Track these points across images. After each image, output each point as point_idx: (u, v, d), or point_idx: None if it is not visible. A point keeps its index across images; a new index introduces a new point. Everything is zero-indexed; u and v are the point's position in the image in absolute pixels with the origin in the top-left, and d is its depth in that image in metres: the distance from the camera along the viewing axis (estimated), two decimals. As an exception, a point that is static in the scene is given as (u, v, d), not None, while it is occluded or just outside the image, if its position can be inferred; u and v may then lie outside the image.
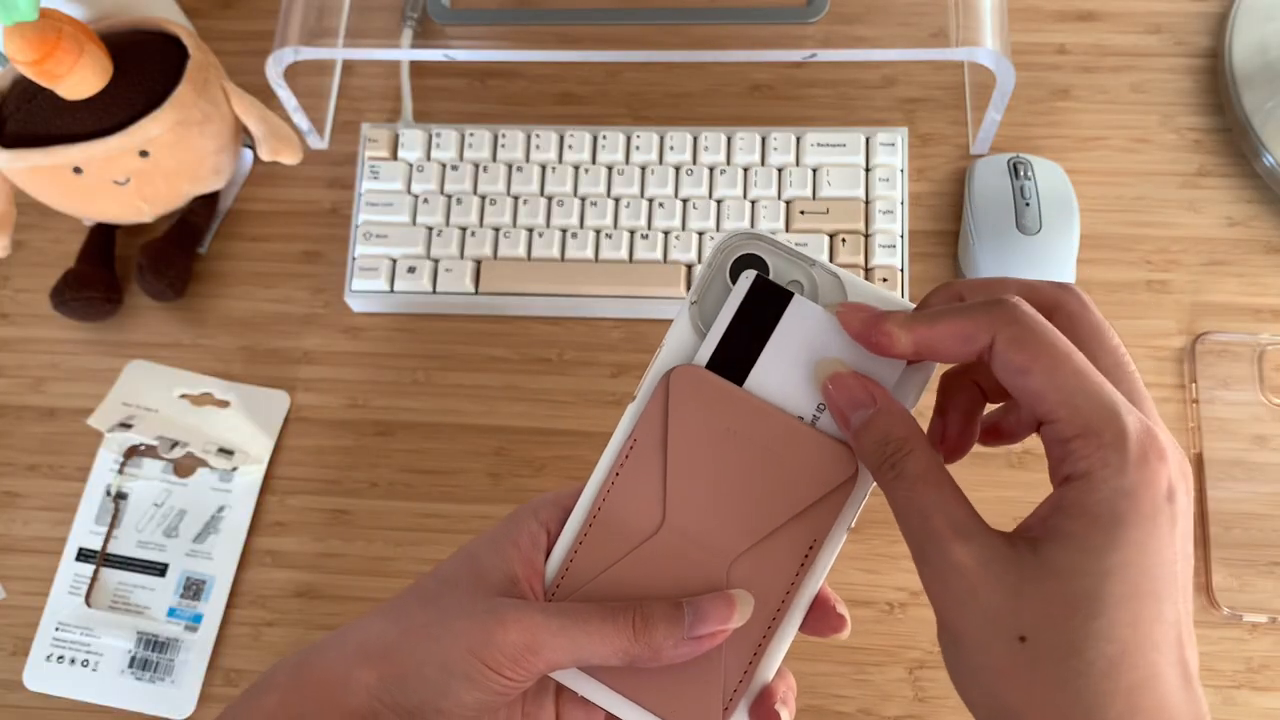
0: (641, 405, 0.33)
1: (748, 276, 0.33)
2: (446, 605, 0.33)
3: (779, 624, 0.33)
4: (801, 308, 0.32)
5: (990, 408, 0.34)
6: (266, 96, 0.60)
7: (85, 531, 0.57)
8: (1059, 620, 0.26)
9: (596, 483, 0.34)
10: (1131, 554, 0.26)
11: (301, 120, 0.62)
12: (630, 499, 0.33)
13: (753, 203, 0.59)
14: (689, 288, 0.33)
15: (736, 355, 0.33)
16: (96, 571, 0.56)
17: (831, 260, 0.58)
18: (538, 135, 0.61)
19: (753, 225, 0.59)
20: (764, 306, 0.32)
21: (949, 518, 0.28)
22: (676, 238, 0.59)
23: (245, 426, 0.59)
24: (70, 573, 0.56)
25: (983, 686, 0.28)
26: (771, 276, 0.33)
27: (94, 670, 0.54)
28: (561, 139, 0.61)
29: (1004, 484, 0.55)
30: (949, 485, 0.29)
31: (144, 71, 0.57)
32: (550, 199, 0.60)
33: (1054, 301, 0.30)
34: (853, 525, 0.33)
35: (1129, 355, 0.29)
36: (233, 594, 0.56)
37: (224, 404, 0.59)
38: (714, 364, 0.33)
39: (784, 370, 0.32)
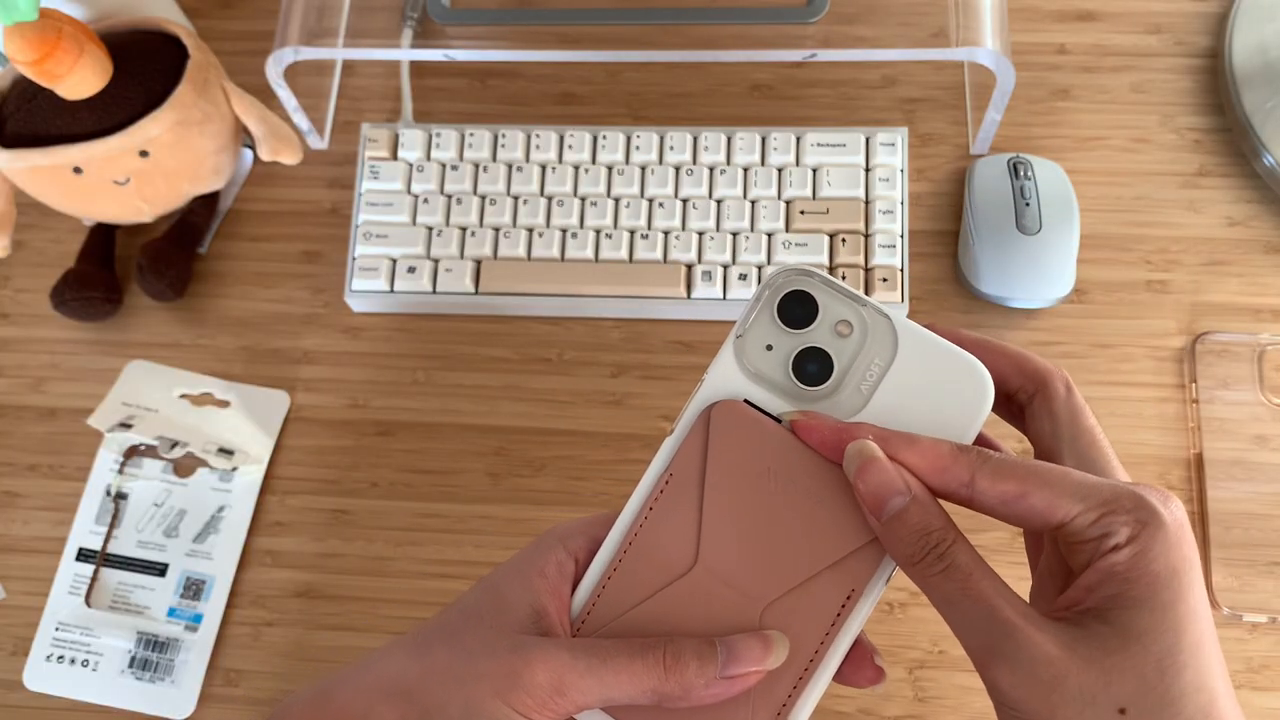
0: (681, 438, 0.33)
1: (735, 397, 0.32)
2: (470, 643, 0.32)
3: (812, 672, 0.32)
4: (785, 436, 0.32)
5: None
6: (266, 96, 0.60)
7: (85, 531, 0.57)
8: (1153, 683, 0.27)
9: (630, 514, 0.33)
10: (1192, 601, 0.27)
11: (301, 120, 0.62)
12: (664, 534, 0.33)
13: (753, 203, 0.59)
14: (741, 314, 0.33)
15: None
16: (96, 571, 0.56)
17: (831, 262, 0.58)
18: (538, 135, 0.61)
19: (750, 236, 0.59)
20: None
21: (1017, 608, 0.28)
22: (676, 238, 0.59)
23: (245, 426, 0.59)
24: (70, 573, 0.56)
25: None
26: (819, 315, 0.32)
27: (94, 670, 0.54)
28: (561, 139, 0.61)
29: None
30: (997, 577, 0.29)
31: (144, 71, 0.57)
32: (550, 199, 0.60)
33: (1043, 377, 0.32)
34: (892, 574, 0.32)
35: (1102, 430, 0.32)
36: (233, 594, 0.56)
37: (224, 404, 0.59)
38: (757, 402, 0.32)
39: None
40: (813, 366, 0.32)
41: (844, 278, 0.58)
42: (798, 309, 0.32)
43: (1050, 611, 0.29)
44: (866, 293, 0.58)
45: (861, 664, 0.33)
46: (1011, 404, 0.34)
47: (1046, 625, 0.28)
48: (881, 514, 0.30)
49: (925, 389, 0.31)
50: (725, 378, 0.32)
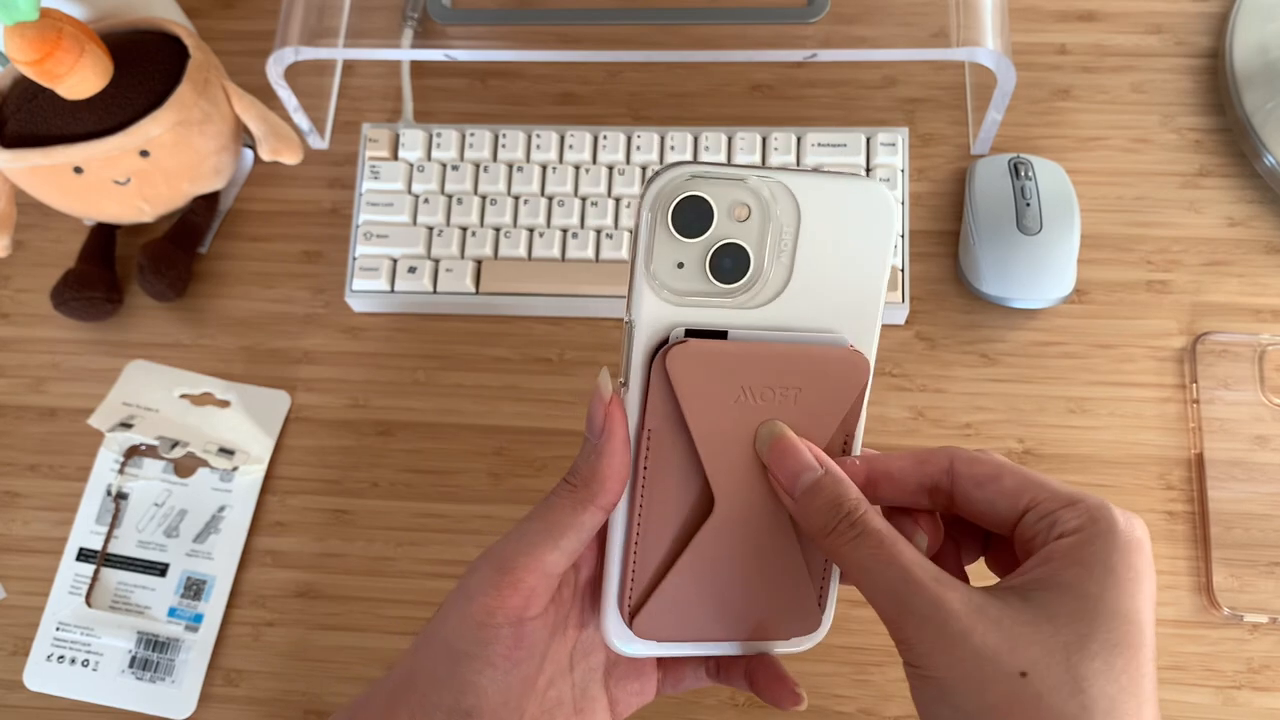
0: (639, 392, 0.32)
1: (678, 336, 0.31)
2: (443, 604, 0.32)
3: None
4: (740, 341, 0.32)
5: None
6: (267, 96, 0.60)
7: (86, 531, 0.57)
8: (1060, 659, 0.27)
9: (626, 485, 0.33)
10: (1123, 604, 0.27)
11: (302, 120, 0.62)
12: (669, 490, 0.33)
13: (753, 203, 0.59)
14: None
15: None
16: (97, 571, 0.56)
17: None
18: (538, 135, 0.61)
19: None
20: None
21: (928, 571, 0.29)
22: (677, 238, 0.59)
23: (245, 426, 0.59)
24: (70, 573, 0.56)
25: None
26: (714, 211, 0.31)
27: (94, 670, 0.54)
28: (562, 139, 0.61)
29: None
30: (910, 544, 0.30)
31: (144, 71, 0.57)
32: (551, 199, 0.60)
33: (939, 467, 0.32)
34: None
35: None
36: (233, 594, 0.56)
37: (224, 404, 0.59)
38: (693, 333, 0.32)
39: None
40: (729, 261, 0.31)
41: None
42: (691, 214, 0.31)
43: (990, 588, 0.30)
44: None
45: (781, 689, 0.35)
46: (936, 500, 0.33)
47: (959, 587, 0.28)
48: (795, 490, 0.31)
49: (838, 228, 0.31)
50: (654, 313, 0.31)
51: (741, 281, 0.31)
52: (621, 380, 0.32)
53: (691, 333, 0.31)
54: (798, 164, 0.60)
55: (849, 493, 0.31)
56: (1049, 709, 0.26)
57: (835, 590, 0.35)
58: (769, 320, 0.32)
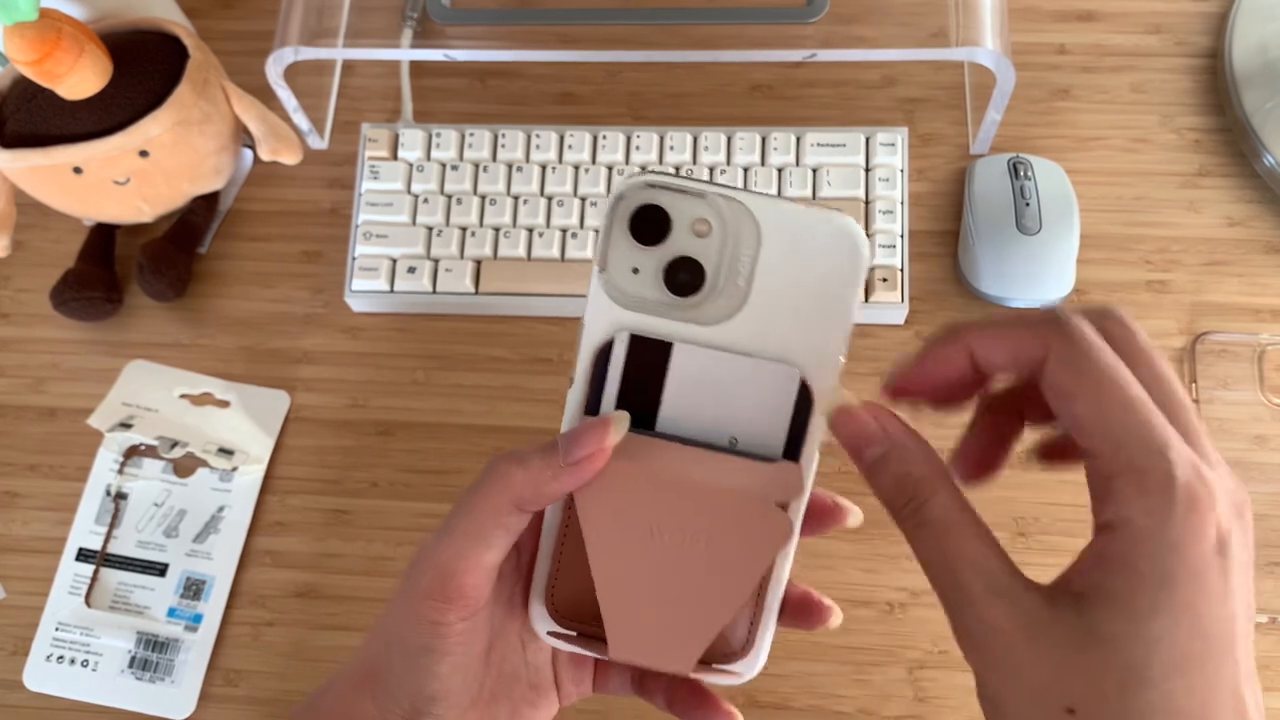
0: (583, 389, 0.31)
1: (621, 339, 0.31)
2: (391, 601, 0.32)
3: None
4: (684, 353, 0.31)
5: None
6: (266, 96, 0.60)
7: (85, 531, 0.57)
8: (1109, 694, 0.24)
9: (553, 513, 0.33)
10: (1182, 617, 0.24)
11: (301, 120, 0.62)
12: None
13: (753, 203, 0.59)
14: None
15: (637, 406, 0.31)
16: (96, 571, 0.56)
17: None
18: (538, 135, 0.61)
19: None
20: (649, 358, 0.31)
21: (982, 573, 0.26)
22: (676, 238, 0.59)
23: (245, 426, 0.59)
24: (70, 573, 0.56)
25: None
26: (674, 222, 0.30)
27: (94, 670, 0.54)
28: (561, 139, 0.61)
29: (1005, 484, 0.55)
30: (978, 532, 0.27)
31: (144, 71, 0.57)
32: (550, 199, 0.60)
33: (1096, 325, 0.27)
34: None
35: (1180, 384, 0.27)
36: (233, 594, 0.56)
37: (224, 404, 0.59)
38: (623, 398, 0.31)
39: (689, 410, 0.31)
40: (684, 275, 0.30)
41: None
42: (650, 223, 0.30)
43: (1052, 583, 0.26)
44: (866, 296, 0.58)
45: (809, 608, 0.33)
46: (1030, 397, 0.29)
47: (1014, 597, 0.26)
48: (861, 463, 0.29)
49: (799, 259, 0.30)
50: (604, 314, 0.31)
51: (695, 296, 0.31)
52: (570, 375, 0.32)
53: (636, 338, 0.31)
54: (797, 163, 0.60)
55: (916, 469, 0.28)
56: None
57: (771, 626, 0.33)
58: (719, 338, 0.31)
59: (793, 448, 0.31)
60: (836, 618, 0.34)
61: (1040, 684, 0.25)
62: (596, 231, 0.59)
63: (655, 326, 0.31)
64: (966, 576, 0.26)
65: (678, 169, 0.60)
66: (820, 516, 0.33)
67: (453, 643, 0.31)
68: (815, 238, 0.30)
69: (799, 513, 0.31)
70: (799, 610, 0.34)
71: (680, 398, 0.31)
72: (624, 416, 0.31)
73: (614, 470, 0.30)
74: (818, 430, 0.31)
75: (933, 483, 0.28)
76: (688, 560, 0.31)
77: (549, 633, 0.33)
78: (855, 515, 0.33)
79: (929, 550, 0.27)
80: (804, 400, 0.31)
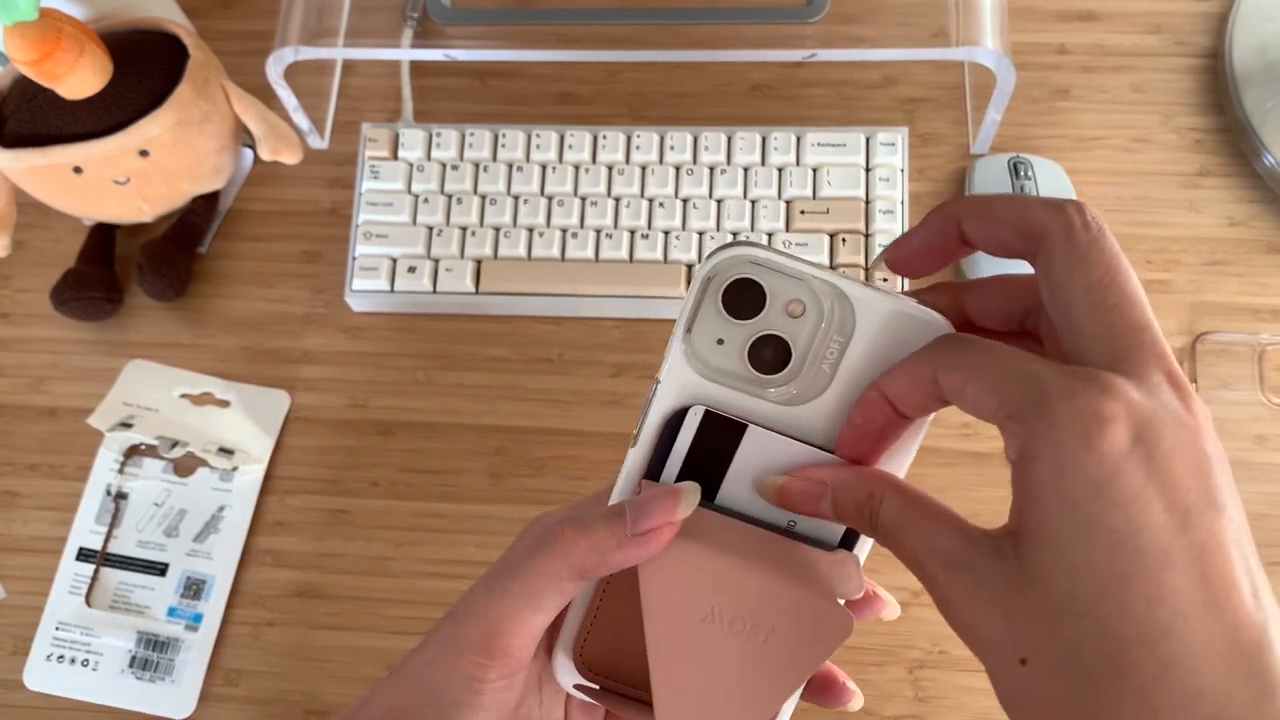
0: (648, 449, 0.31)
1: (696, 412, 0.30)
2: (427, 646, 0.32)
3: None
4: (756, 436, 0.30)
5: None
6: (266, 96, 0.60)
7: (85, 531, 0.57)
8: (1051, 631, 0.23)
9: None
10: (1095, 535, 0.23)
11: (302, 120, 0.62)
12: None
13: (753, 202, 0.59)
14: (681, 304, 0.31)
15: (699, 479, 0.31)
16: (97, 571, 0.56)
17: (832, 262, 0.58)
18: (538, 135, 0.61)
19: (749, 233, 0.59)
20: (720, 434, 0.30)
21: (936, 554, 0.26)
22: (677, 237, 0.59)
23: (245, 426, 0.59)
24: (70, 572, 0.56)
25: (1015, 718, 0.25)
26: (768, 299, 0.30)
27: (94, 670, 0.54)
28: (562, 139, 0.61)
29: (999, 484, 0.55)
30: (929, 516, 0.27)
31: (144, 71, 0.57)
32: (550, 199, 0.60)
33: (1039, 233, 0.26)
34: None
35: (1121, 280, 0.25)
36: (233, 594, 0.56)
37: (224, 404, 0.59)
38: (688, 467, 0.31)
39: (750, 492, 0.31)
40: (770, 353, 0.30)
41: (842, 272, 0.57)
42: (744, 297, 0.29)
43: (999, 530, 0.26)
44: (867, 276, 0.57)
45: (834, 689, 0.33)
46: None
47: (964, 567, 0.25)
48: (825, 516, 0.30)
49: (889, 352, 0.30)
50: (680, 380, 0.30)
51: (777, 375, 0.30)
52: (635, 433, 0.31)
53: (711, 413, 0.30)
54: (797, 163, 0.60)
55: (859, 492, 0.28)
56: (1052, 696, 0.23)
57: (795, 703, 0.33)
58: (795, 423, 0.30)
59: (849, 537, 0.31)
60: (857, 700, 0.34)
61: (994, 641, 0.25)
62: (598, 232, 0.59)
63: (731, 400, 0.30)
64: (926, 562, 0.26)
65: (679, 169, 0.60)
66: (860, 605, 0.33)
67: (488, 699, 0.31)
68: (907, 335, 0.30)
69: (851, 616, 0.31)
70: (822, 689, 0.34)
71: (745, 475, 0.31)
72: (695, 489, 0.30)
73: (680, 545, 0.30)
74: None
75: (876, 494, 0.28)
76: (746, 648, 0.30)
77: (575, 685, 0.33)
78: (894, 608, 0.34)
79: (898, 552, 0.28)
80: None
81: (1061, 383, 0.24)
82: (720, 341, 0.30)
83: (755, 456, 0.30)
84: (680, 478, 0.31)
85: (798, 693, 0.32)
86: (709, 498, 0.31)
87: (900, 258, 0.31)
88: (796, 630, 0.30)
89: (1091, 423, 0.23)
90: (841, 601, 0.30)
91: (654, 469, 0.31)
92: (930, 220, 0.30)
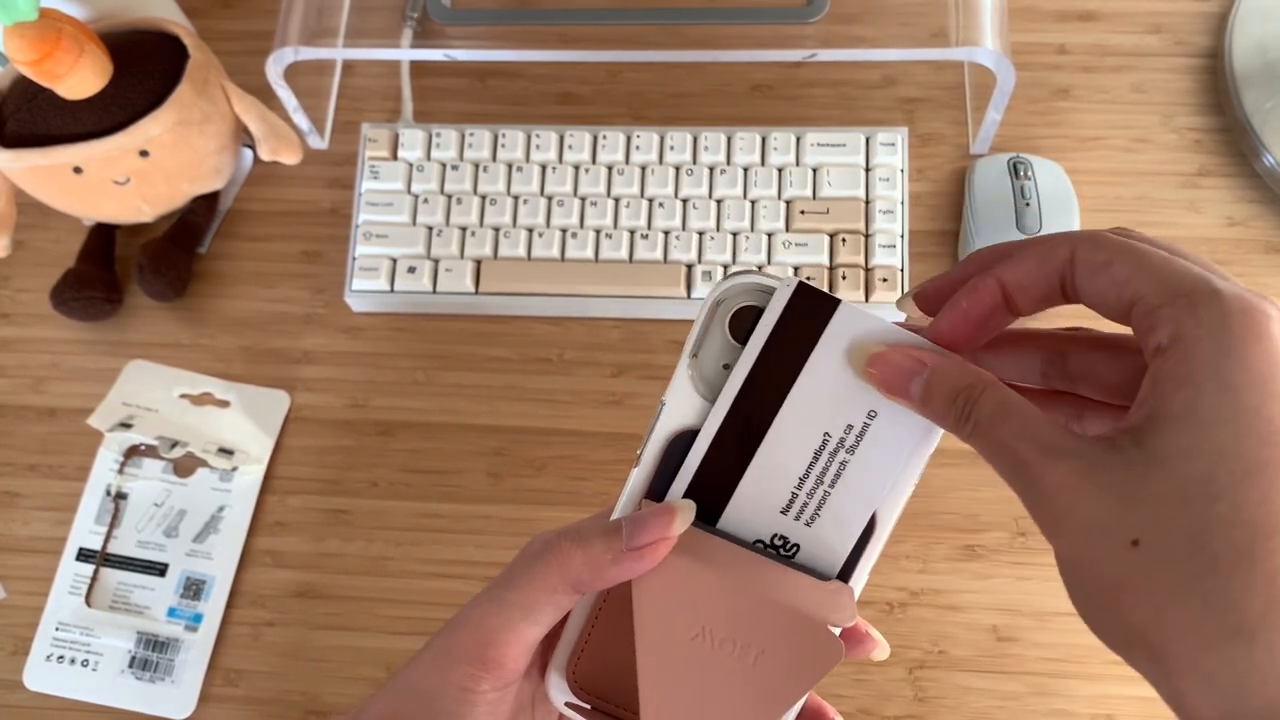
0: (650, 469, 0.31)
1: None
2: (422, 655, 0.32)
3: None
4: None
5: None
6: (266, 96, 0.60)
7: (85, 531, 0.57)
8: (1174, 514, 0.23)
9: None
10: (1248, 422, 0.22)
11: (301, 120, 0.62)
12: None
13: (753, 203, 0.59)
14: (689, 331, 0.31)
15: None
16: (96, 571, 0.56)
17: (832, 262, 0.58)
18: (538, 135, 0.61)
19: (750, 237, 0.59)
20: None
21: (1036, 442, 0.25)
22: (676, 238, 0.59)
23: (245, 426, 0.59)
24: (70, 572, 0.56)
25: (1104, 611, 0.24)
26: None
27: (94, 670, 0.54)
28: (561, 139, 0.61)
29: (999, 483, 0.55)
30: (1029, 412, 0.26)
31: (144, 71, 0.57)
32: (550, 199, 0.60)
33: (1062, 270, 0.27)
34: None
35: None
36: (233, 594, 0.56)
37: (224, 404, 0.59)
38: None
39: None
40: None
41: (845, 278, 0.57)
42: (751, 324, 0.30)
43: (1110, 432, 0.25)
44: (866, 296, 0.58)
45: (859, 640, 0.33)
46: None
47: (1072, 452, 0.25)
48: (911, 400, 0.28)
49: None
50: (685, 402, 0.31)
51: None
52: (638, 453, 0.31)
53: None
54: (797, 163, 0.60)
55: (960, 381, 0.27)
56: (1165, 580, 0.22)
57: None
58: None
59: (847, 570, 0.31)
60: (883, 650, 0.33)
61: (1099, 523, 0.24)
62: (598, 232, 0.59)
63: None
64: (1022, 449, 0.26)
65: (678, 169, 0.60)
66: (850, 642, 0.33)
67: (480, 711, 0.31)
68: None
69: (842, 644, 0.31)
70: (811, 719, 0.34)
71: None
72: (690, 506, 0.30)
73: (674, 563, 0.30)
74: (872, 558, 0.31)
75: (977, 385, 0.27)
76: (736, 668, 0.30)
77: (566, 704, 0.33)
78: (883, 649, 0.33)
79: (988, 444, 0.27)
80: (869, 528, 0.31)
81: (1224, 282, 0.24)
82: (726, 366, 0.30)
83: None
84: (689, 493, 0.30)
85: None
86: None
87: (930, 291, 0.30)
88: (787, 653, 0.30)
89: (1260, 317, 0.23)
90: (837, 632, 0.30)
91: (657, 490, 0.31)
92: (969, 267, 0.29)
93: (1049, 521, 0.25)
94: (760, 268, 0.59)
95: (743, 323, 0.30)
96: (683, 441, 0.31)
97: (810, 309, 0.29)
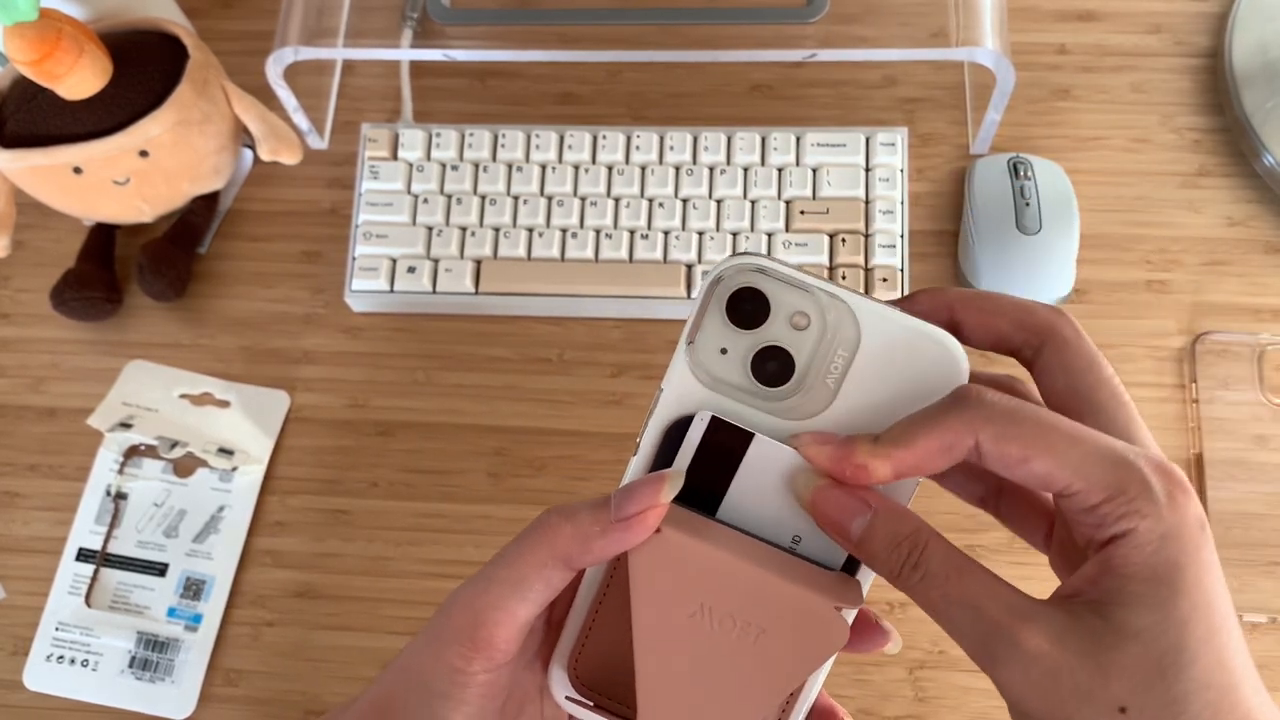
0: (648, 457, 0.30)
1: (703, 418, 0.30)
2: (417, 638, 0.32)
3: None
4: (763, 446, 0.30)
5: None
6: (266, 96, 0.60)
7: (85, 531, 0.57)
8: (1155, 682, 0.25)
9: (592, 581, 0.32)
10: (1198, 595, 0.26)
11: (301, 120, 0.62)
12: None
13: (753, 203, 0.59)
14: (687, 314, 0.30)
15: (702, 491, 0.30)
16: (96, 571, 0.56)
17: (832, 262, 0.58)
18: (538, 135, 0.61)
19: (750, 237, 0.59)
20: (725, 444, 0.30)
21: (1002, 603, 0.27)
22: (676, 238, 0.59)
23: (245, 426, 0.59)
24: (70, 573, 0.56)
25: None
26: (772, 310, 0.29)
27: (94, 670, 0.54)
28: (561, 139, 0.61)
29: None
30: (983, 570, 0.27)
31: (144, 71, 0.57)
32: (550, 199, 0.60)
33: (1048, 327, 0.29)
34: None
35: (1120, 383, 0.30)
36: (233, 594, 0.56)
37: (224, 404, 0.59)
38: (680, 498, 0.30)
39: (755, 504, 0.30)
40: (773, 365, 0.30)
41: (844, 278, 0.57)
42: (748, 306, 0.29)
43: (1054, 597, 0.27)
44: (867, 290, 0.57)
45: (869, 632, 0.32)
46: (1018, 363, 0.31)
47: (1039, 616, 0.26)
48: (850, 538, 0.29)
49: (895, 371, 0.29)
50: (683, 389, 0.30)
51: (780, 388, 0.30)
52: (637, 440, 0.31)
53: (719, 421, 0.30)
54: (797, 163, 0.60)
55: (904, 528, 0.28)
56: None
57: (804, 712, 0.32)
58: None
59: (852, 561, 0.31)
60: (895, 643, 0.33)
61: (1086, 690, 0.26)
62: (598, 232, 0.59)
63: (733, 411, 0.30)
64: (989, 608, 0.27)
65: (678, 169, 0.60)
66: (863, 634, 0.32)
67: (472, 693, 0.30)
68: (914, 353, 0.29)
69: (848, 624, 0.30)
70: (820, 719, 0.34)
71: (748, 488, 0.30)
72: (679, 474, 0.30)
73: (672, 539, 0.29)
74: None
75: (924, 534, 0.28)
76: (736, 647, 0.29)
77: (567, 698, 0.33)
78: (896, 642, 0.33)
79: (939, 596, 0.28)
80: None
81: (1148, 463, 0.26)
82: (724, 351, 0.30)
83: (761, 467, 0.30)
84: (683, 489, 0.30)
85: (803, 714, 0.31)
86: (710, 509, 0.30)
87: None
88: (788, 633, 0.29)
89: (1185, 500, 0.26)
90: (847, 617, 0.30)
91: None
92: (920, 298, 0.30)
93: (1029, 686, 0.26)
94: (758, 248, 0.59)
95: (740, 305, 0.30)
96: (681, 428, 0.30)
97: (727, 438, 0.30)
